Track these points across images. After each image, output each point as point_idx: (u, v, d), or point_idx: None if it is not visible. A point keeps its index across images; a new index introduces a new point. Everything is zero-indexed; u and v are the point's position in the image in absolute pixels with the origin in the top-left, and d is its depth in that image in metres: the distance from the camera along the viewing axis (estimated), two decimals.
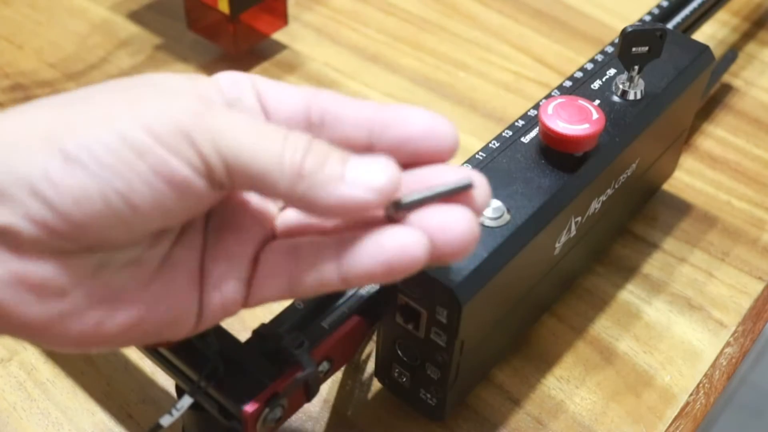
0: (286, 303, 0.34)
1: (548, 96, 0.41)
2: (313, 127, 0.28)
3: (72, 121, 0.25)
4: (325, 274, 0.27)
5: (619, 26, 0.39)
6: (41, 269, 0.25)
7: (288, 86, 0.29)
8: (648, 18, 0.48)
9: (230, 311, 0.28)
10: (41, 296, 0.25)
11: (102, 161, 0.24)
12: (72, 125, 0.24)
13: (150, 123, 0.24)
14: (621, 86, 0.39)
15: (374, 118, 0.28)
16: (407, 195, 0.26)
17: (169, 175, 0.24)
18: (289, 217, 0.29)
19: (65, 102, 0.26)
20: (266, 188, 0.25)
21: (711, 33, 0.61)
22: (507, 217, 0.34)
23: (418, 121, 0.28)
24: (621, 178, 0.39)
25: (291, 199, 0.26)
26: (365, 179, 0.26)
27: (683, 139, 0.47)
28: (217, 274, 0.27)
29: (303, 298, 0.30)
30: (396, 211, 0.26)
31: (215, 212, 0.28)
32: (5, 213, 0.24)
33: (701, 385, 0.40)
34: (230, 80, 0.28)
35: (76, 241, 0.25)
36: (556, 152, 0.36)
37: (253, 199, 0.29)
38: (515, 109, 0.55)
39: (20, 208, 0.24)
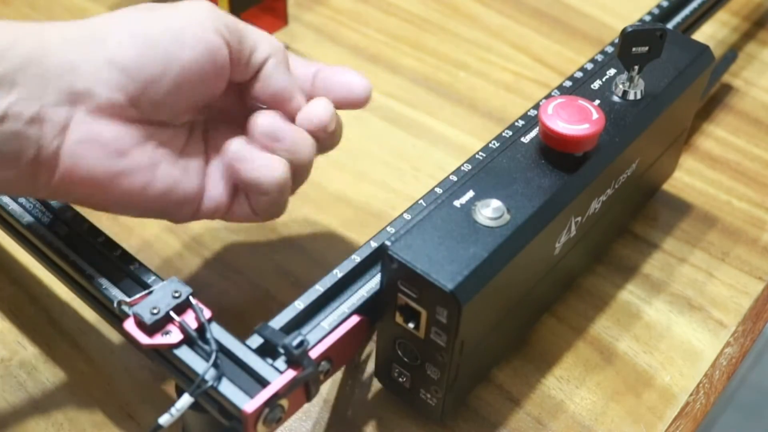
0: (286, 303, 0.34)
1: (548, 96, 0.41)
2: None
3: (130, 21, 0.34)
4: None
5: (619, 26, 0.39)
6: (110, 130, 0.33)
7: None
8: (648, 18, 0.48)
9: (218, 211, 0.37)
10: (106, 153, 0.33)
11: (157, 38, 0.33)
12: (134, 22, 0.34)
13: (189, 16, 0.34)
14: (621, 86, 0.39)
15: (315, 75, 0.38)
16: None
17: (205, 41, 0.33)
18: None
19: (111, 17, 0.34)
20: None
21: (711, 33, 0.61)
22: (507, 217, 0.34)
23: (343, 78, 0.37)
24: (621, 178, 0.39)
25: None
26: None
27: (683, 139, 0.47)
28: (215, 175, 0.37)
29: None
30: None
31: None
32: (87, 79, 0.32)
33: (701, 385, 0.40)
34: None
35: (138, 108, 0.33)
36: (556, 152, 0.36)
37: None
38: (515, 109, 0.55)
39: (99, 75, 0.32)
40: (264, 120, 0.36)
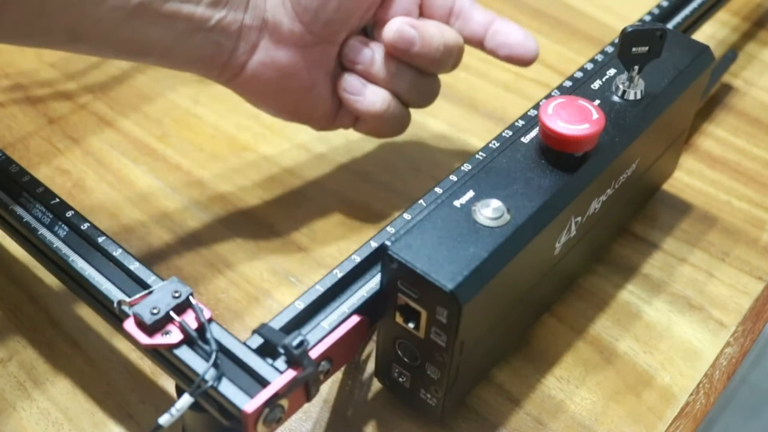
0: (286, 303, 0.34)
1: (548, 96, 0.41)
2: (452, 17, 0.44)
3: None
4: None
5: (619, 26, 0.39)
6: (286, 56, 0.41)
7: None
8: (648, 18, 0.48)
9: (347, 123, 0.45)
10: (279, 75, 0.41)
11: None
12: None
13: None
14: (621, 86, 0.39)
15: (490, 25, 0.44)
16: None
17: None
18: None
19: None
20: None
21: (711, 33, 0.61)
22: (507, 217, 0.33)
23: (517, 35, 0.43)
24: (621, 178, 0.39)
25: None
26: None
27: (683, 139, 0.47)
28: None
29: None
30: None
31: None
32: (274, 11, 0.40)
33: (701, 385, 0.40)
34: None
35: (312, 33, 0.40)
36: (556, 152, 0.36)
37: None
38: (515, 109, 0.55)
39: (283, 8, 0.40)
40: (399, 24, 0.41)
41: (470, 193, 0.34)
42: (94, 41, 0.38)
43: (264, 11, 0.40)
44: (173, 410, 0.30)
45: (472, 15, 0.44)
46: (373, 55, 0.42)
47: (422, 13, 0.44)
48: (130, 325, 0.32)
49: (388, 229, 0.37)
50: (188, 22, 0.38)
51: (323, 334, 0.34)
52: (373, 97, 0.43)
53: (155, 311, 0.32)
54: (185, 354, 0.32)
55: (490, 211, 0.34)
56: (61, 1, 0.36)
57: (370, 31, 0.44)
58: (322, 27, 0.41)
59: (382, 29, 0.42)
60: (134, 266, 0.35)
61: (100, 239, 0.37)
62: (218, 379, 0.31)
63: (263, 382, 0.31)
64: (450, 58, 0.43)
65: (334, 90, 0.44)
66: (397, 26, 0.41)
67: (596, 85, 0.40)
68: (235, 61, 0.41)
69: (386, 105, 0.43)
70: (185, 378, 0.32)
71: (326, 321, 0.34)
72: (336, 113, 0.44)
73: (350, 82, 0.43)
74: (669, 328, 0.43)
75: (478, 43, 0.44)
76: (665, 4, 0.49)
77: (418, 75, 0.43)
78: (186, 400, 0.30)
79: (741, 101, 0.56)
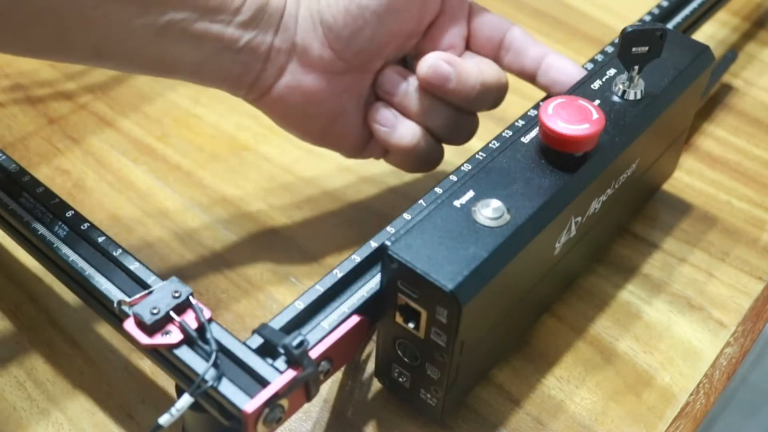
0: (286, 303, 0.34)
1: (548, 96, 0.41)
2: (502, 49, 0.42)
3: None
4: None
5: (619, 26, 0.39)
6: (313, 82, 0.40)
7: (493, 15, 0.42)
8: (648, 18, 0.48)
9: (377, 154, 0.44)
10: (305, 100, 0.40)
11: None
12: None
13: None
14: (621, 86, 0.39)
15: (543, 59, 0.41)
16: None
17: None
18: None
19: None
20: None
21: (711, 33, 0.61)
22: (507, 217, 0.33)
23: (570, 71, 0.41)
24: (621, 178, 0.39)
25: None
26: None
27: (683, 139, 0.47)
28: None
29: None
30: None
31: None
32: (304, 36, 0.39)
33: (701, 385, 0.40)
34: None
35: (343, 60, 0.39)
36: (556, 152, 0.36)
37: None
38: (515, 109, 0.55)
39: (314, 33, 0.39)
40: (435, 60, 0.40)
41: (470, 193, 0.34)
42: (119, 59, 0.37)
43: (294, 35, 0.39)
44: (173, 410, 0.30)
45: (525, 48, 0.42)
46: (408, 87, 0.41)
47: (469, 47, 0.42)
48: (130, 325, 0.32)
49: (388, 229, 0.37)
50: (217, 41, 0.38)
51: (323, 334, 0.34)
52: (404, 131, 0.41)
53: (155, 311, 0.32)
54: (185, 354, 0.32)
55: (490, 211, 0.34)
56: (85, 20, 0.35)
57: (409, 61, 0.42)
58: (353, 55, 0.39)
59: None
60: (134, 266, 0.35)
61: (100, 239, 0.37)
62: (218, 379, 0.31)
63: (263, 382, 0.31)
64: (488, 97, 0.41)
65: (366, 119, 0.42)
66: (432, 62, 0.39)
67: (596, 85, 0.40)
68: (262, 82, 0.40)
69: (416, 140, 0.41)
70: (185, 378, 0.32)
71: (326, 321, 0.34)
72: (367, 143, 0.43)
73: (382, 113, 0.41)
74: (669, 328, 0.43)
75: (530, 78, 0.42)
76: (665, 4, 0.49)
77: (454, 112, 0.42)
78: (186, 400, 0.30)
79: (741, 101, 0.56)
